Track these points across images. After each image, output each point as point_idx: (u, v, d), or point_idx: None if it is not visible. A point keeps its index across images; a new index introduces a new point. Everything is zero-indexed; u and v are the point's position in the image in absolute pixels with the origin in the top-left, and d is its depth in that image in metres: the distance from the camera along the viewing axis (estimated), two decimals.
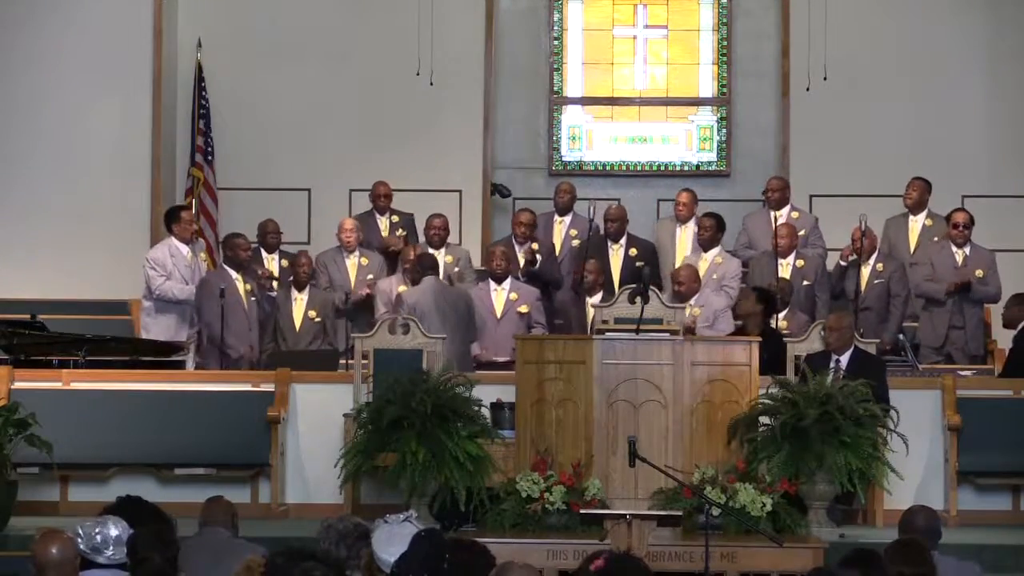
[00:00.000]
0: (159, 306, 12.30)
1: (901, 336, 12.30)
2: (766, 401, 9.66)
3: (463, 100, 15.16)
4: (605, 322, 9.94)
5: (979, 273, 12.59)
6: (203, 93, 14.83)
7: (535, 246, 12.97)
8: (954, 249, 12.65)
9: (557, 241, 13.44)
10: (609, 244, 13.10)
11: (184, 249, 12.38)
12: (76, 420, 10.84)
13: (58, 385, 11.15)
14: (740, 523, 9.09)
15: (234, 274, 12.18)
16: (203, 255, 12.78)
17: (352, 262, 13.04)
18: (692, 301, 11.99)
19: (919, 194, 13.32)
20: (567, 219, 13.58)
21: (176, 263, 12.25)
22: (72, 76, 14.50)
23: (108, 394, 11.10)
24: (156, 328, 12.25)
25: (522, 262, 12.81)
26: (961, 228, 12.68)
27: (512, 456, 9.87)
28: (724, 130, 15.73)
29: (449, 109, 15.08)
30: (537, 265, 12.84)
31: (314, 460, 10.94)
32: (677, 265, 12.75)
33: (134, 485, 10.09)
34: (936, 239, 12.95)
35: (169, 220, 12.60)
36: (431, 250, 12.63)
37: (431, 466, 9.44)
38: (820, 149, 15.06)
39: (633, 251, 13.09)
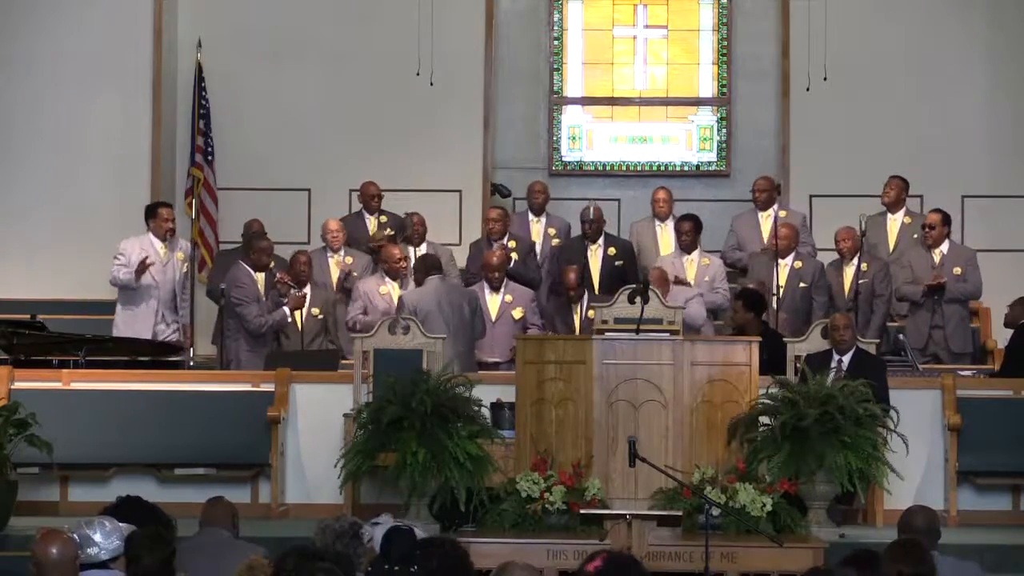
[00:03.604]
0: (123, 299, 12.29)
1: (902, 336, 12.32)
2: (766, 401, 9.67)
3: (463, 100, 15.15)
4: (605, 322, 9.94)
5: (957, 271, 12.63)
6: (203, 93, 14.81)
7: (512, 244, 12.99)
8: (931, 249, 12.72)
9: (537, 241, 13.46)
10: (588, 245, 13.09)
11: (158, 245, 12.35)
12: (76, 420, 10.85)
13: (58, 385, 11.15)
14: (740, 523, 9.09)
15: (255, 274, 12.23)
16: (181, 254, 12.70)
17: (336, 261, 13.07)
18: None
19: (897, 192, 13.40)
20: (543, 219, 13.62)
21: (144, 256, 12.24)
22: (72, 76, 14.50)
23: (108, 394, 11.10)
24: (121, 322, 12.25)
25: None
26: (928, 230, 12.73)
27: (512, 456, 9.88)
28: (724, 130, 15.72)
29: (449, 109, 15.07)
30: (511, 264, 12.81)
31: (314, 460, 10.94)
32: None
33: (134, 485, 10.09)
34: (916, 236, 13.00)
35: (147, 216, 12.58)
36: (411, 249, 12.64)
37: (431, 466, 9.44)
38: (820, 149, 15.05)
39: (612, 250, 13.10)
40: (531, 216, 13.69)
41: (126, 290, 12.33)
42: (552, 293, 12.97)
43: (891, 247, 13.30)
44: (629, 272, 12.80)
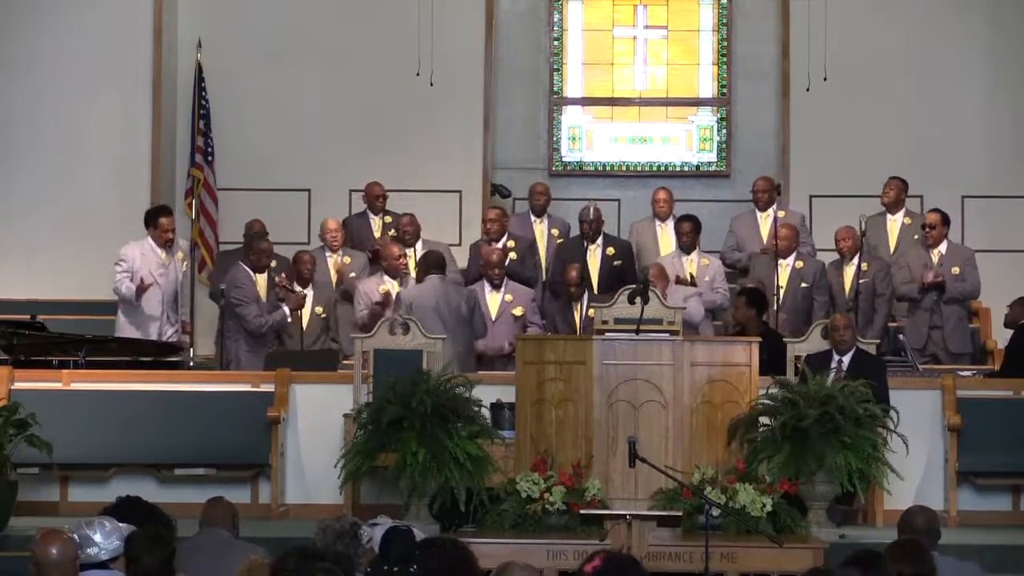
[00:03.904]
0: (124, 304, 12.28)
1: (902, 336, 12.33)
2: (766, 401, 9.66)
3: (463, 100, 15.16)
4: (605, 322, 9.93)
5: (956, 271, 12.65)
6: (203, 93, 14.82)
7: (512, 243, 13.00)
8: (929, 250, 12.72)
9: (540, 241, 13.47)
10: (586, 245, 13.08)
11: (158, 249, 12.32)
12: (76, 420, 10.84)
13: (58, 385, 11.15)
14: (740, 523, 9.09)
15: (254, 276, 12.23)
16: (180, 255, 12.69)
17: (334, 260, 13.08)
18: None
19: (896, 193, 13.42)
20: (545, 220, 13.62)
21: (146, 262, 12.20)
22: (72, 76, 14.50)
23: (108, 394, 11.10)
24: (126, 325, 12.23)
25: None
26: (928, 229, 12.75)
27: (512, 456, 9.88)
28: (724, 131, 15.72)
29: (449, 109, 15.08)
30: (508, 262, 12.84)
31: (314, 460, 10.94)
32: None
33: (134, 485, 10.09)
34: (916, 237, 13.01)
35: (147, 222, 12.53)
36: (407, 249, 12.65)
37: (431, 466, 9.44)
38: (820, 149, 15.06)
39: (610, 250, 13.10)
40: (533, 217, 13.69)
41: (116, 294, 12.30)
42: (552, 293, 12.98)
43: (892, 248, 13.30)
44: (628, 272, 12.81)
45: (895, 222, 13.42)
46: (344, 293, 12.83)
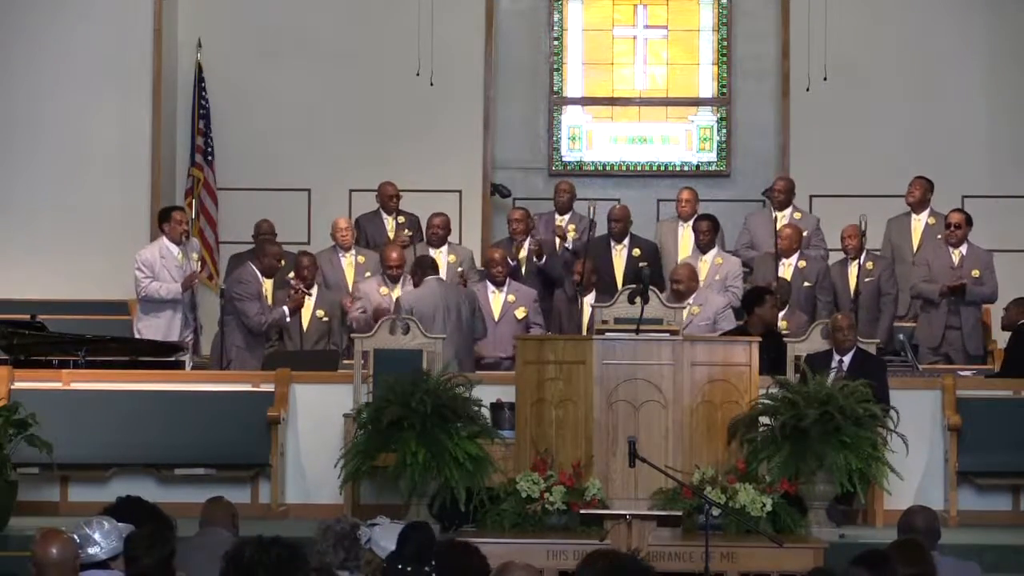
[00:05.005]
0: (146, 307, 12.26)
1: (901, 336, 12.32)
2: (766, 401, 9.66)
3: (463, 100, 15.16)
4: (605, 322, 9.93)
5: (975, 273, 12.63)
6: (203, 93, 14.83)
7: (535, 245, 13.02)
8: (950, 249, 12.69)
9: (559, 240, 13.47)
10: (612, 244, 13.10)
11: (175, 250, 12.30)
12: (76, 420, 10.85)
13: (58, 385, 11.15)
14: (740, 523, 9.09)
15: (263, 279, 12.23)
16: (195, 255, 12.72)
17: (348, 261, 13.07)
18: (691, 300, 11.97)
19: (922, 192, 13.37)
20: (567, 218, 13.60)
21: (166, 263, 12.20)
22: (72, 76, 14.50)
23: (108, 394, 11.10)
24: (148, 330, 12.21)
25: (523, 254, 12.83)
26: (953, 228, 12.72)
27: (512, 456, 9.87)
28: (724, 130, 15.73)
29: (449, 109, 15.08)
30: (544, 260, 12.86)
31: (314, 460, 10.94)
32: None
33: (134, 485, 10.09)
34: (940, 237, 12.99)
35: (161, 220, 12.55)
36: (432, 250, 12.65)
37: (431, 466, 9.44)
38: (820, 149, 15.06)
39: (636, 251, 13.10)
40: (556, 216, 13.65)
41: (150, 300, 12.29)
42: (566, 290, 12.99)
43: (915, 247, 13.25)
44: (653, 273, 12.71)
45: (919, 222, 13.37)
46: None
